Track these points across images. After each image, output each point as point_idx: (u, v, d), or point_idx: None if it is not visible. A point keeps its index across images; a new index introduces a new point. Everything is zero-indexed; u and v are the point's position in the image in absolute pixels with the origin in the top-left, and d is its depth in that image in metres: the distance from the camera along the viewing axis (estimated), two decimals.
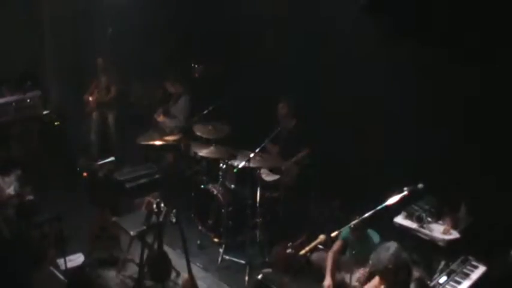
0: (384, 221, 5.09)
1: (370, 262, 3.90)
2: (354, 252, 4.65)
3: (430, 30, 5.13)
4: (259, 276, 5.07)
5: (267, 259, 5.63)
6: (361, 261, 4.63)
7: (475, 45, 4.88)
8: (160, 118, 7.17)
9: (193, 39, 7.77)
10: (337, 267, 5.24)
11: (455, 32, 4.96)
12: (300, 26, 6.49)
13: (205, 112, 6.64)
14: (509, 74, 4.76)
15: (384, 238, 4.64)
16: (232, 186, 6.08)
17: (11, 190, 5.62)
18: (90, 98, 7.79)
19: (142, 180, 6.34)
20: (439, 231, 4.99)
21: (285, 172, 6.13)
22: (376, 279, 4.00)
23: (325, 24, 6.13)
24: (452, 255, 4.77)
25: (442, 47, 5.11)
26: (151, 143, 6.64)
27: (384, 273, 3.75)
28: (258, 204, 5.71)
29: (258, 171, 5.73)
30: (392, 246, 3.73)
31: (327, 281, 4.87)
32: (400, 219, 5.23)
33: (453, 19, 4.93)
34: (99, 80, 7.74)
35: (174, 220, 5.88)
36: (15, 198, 5.41)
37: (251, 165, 5.50)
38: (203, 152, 6.07)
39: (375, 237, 5.09)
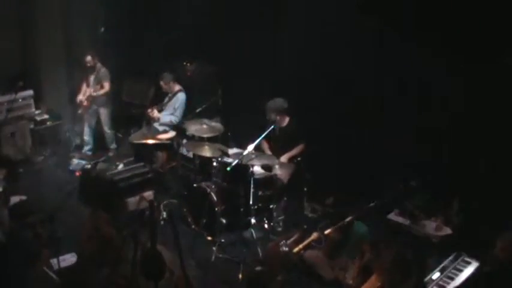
0: (377, 218, 5.12)
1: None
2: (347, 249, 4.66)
3: (427, 30, 5.14)
4: (253, 274, 5.07)
5: (260, 257, 5.63)
6: (349, 252, 4.61)
7: (474, 44, 4.89)
8: (155, 114, 7.11)
9: (186, 37, 7.75)
10: (331, 265, 5.26)
11: (453, 31, 4.98)
12: (297, 25, 6.49)
13: (198, 110, 6.63)
14: (509, 75, 4.78)
15: (377, 235, 4.66)
16: (225, 184, 6.07)
17: None
18: (82, 97, 7.74)
19: (136, 179, 6.31)
20: (432, 227, 5.02)
21: (278, 170, 6.12)
22: (374, 277, 4.01)
23: (323, 22, 6.14)
24: (445, 251, 4.80)
25: (440, 46, 5.12)
26: (144, 141, 6.61)
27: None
28: (251, 202, 5.70)
29: (251, 169, 5.73)
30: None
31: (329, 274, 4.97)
32: (393, 216, 5.25)
33: (451, 18, 4.95)
34: (89, 78, 7.68)
35: (167, 218, 5.88)
36: (2, 197, 5.36)
37: (244, 163, 5.50)
38: (196, 150, 6.06)
39: (359, 227, 5.10)
